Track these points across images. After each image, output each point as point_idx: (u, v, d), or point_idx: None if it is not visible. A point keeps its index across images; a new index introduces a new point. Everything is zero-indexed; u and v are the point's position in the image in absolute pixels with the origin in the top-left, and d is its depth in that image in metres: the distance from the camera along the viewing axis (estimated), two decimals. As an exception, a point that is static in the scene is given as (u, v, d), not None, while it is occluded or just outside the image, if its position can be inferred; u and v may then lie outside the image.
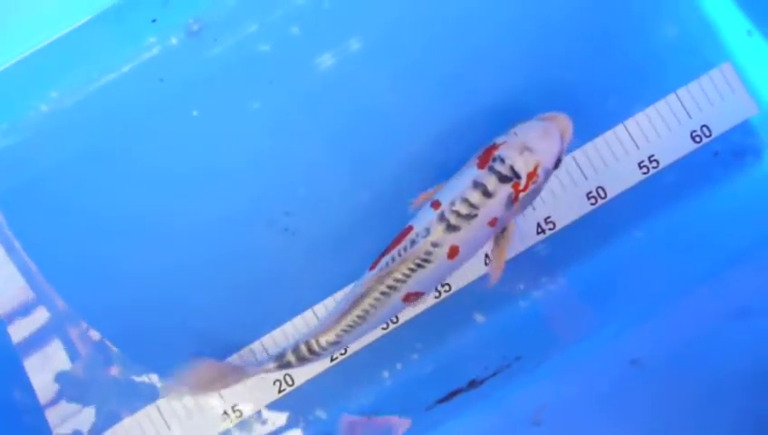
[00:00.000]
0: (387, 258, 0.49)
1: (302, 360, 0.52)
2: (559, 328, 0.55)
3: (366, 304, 0.49)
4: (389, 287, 0.49)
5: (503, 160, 0.48)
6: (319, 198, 0.57)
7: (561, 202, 0.57)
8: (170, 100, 0.58)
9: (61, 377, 0.57)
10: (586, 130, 0.57)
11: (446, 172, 0.51)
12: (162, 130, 0.58)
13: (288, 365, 0.52)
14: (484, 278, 0.56)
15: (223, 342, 0.57)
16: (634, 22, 0.59)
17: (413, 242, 0.48)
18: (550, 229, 0.57)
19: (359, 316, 0.50)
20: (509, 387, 0.53)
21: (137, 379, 0.57)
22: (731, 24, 0.58)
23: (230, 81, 0.58)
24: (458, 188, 0.48)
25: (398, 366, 0.57)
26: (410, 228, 0.49)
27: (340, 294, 0.56)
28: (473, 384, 0.54)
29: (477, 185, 0.48)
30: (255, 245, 0.58)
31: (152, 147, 0.58)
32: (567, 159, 0.57)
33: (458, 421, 0.52)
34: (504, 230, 0.51)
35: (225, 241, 0.57)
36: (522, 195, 0.48)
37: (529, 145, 0.48)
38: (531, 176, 0.48)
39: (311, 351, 0.51)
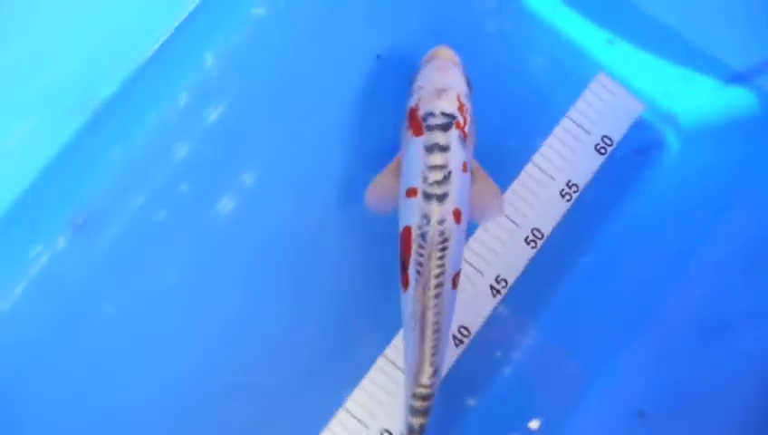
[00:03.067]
0: (413, 269, 0.47)
1: (425, 413, 0.48)
2: (552, 388, 0.53)
3: (431, 316, 0.46)
4: (437, 286, 0.47)
5: (432, 114, 0.48)
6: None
7: (504, 257, 0.57)
8: (79, 303, 0.54)
9: None
10: (502, 176, 0.57)
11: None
12: (79, 334, 0.53)
13: (422, 429, 0.48)
14: (460, 361, 0.55)
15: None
16: (506, 63, 0.60)
17: (423, 235, 0.47)
18: (503, 287, 0.56)
19: (435, 331, 0.47)
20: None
21: None
22: (592, 39, 0.60)
23: (135, 260, 0.55)
24: (418, 163, 0.48)
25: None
26: (408, 229, 0.48)
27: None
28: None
29: (431, 148, 0.48)
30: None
31: (73, 353, 0.53)
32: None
33: None
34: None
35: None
36: (466, 128, 0.49)
37: (439, 86, 0.49)
38: (461, 108, 0.49)
39: (424, 398, 0.47)
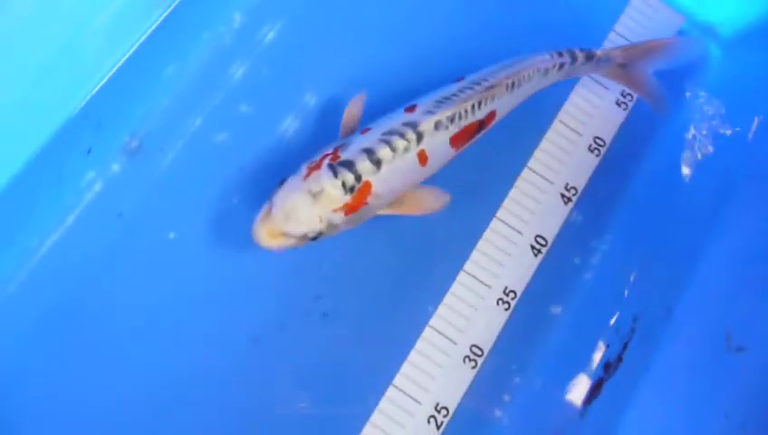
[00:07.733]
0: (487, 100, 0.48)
1: None
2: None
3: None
4: (491, 86, 0.49)
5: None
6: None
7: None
8: (136, 231, 0.50)
9: None
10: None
11: None
12: (135, 262, 0.50)
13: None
14: (540, 271, 0.53)
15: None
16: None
17: (439, 102, 0.48)
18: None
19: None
20: None
21: None
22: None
23: (195, 184, 0.52)
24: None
25: None
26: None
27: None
28: None
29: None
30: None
31: (128, 283, 0.50)
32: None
33: None
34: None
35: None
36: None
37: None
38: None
39: None
